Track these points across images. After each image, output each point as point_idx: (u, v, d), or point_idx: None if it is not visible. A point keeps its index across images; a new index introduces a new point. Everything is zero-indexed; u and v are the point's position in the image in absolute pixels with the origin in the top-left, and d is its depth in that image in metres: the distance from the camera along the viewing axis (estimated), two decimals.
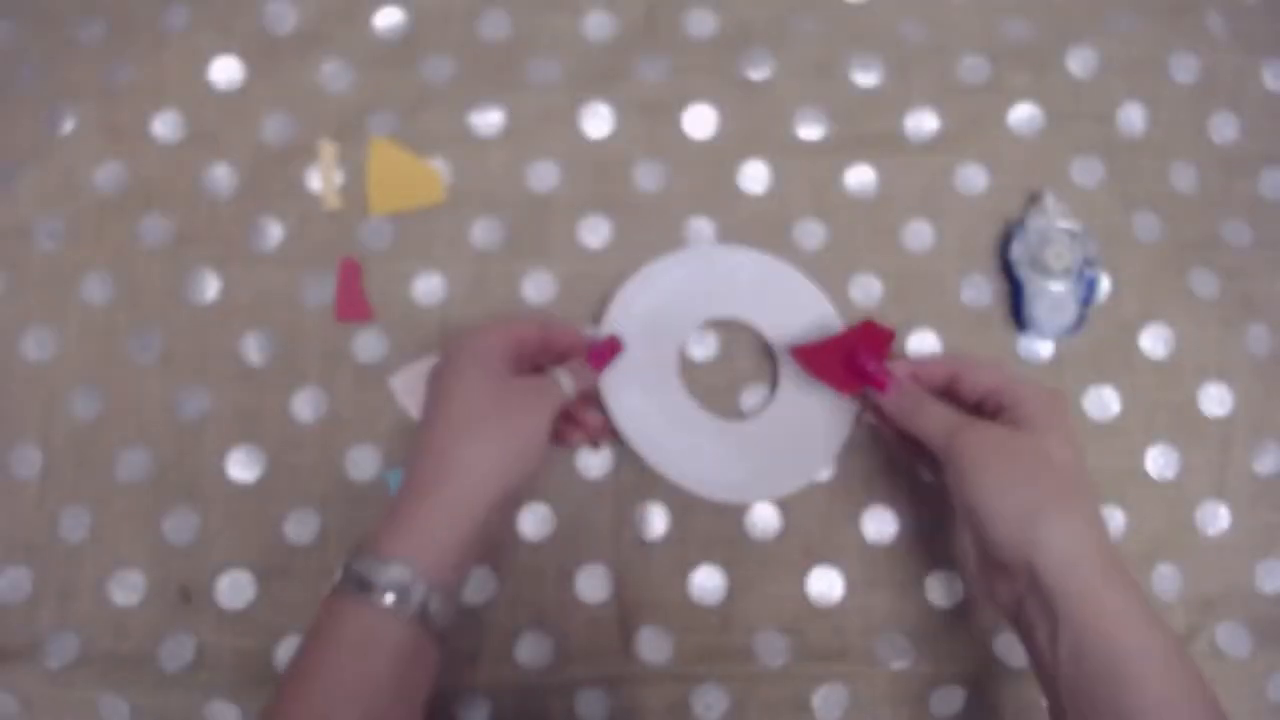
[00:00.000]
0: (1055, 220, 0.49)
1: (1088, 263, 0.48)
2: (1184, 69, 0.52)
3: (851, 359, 0.45)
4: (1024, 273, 0.49)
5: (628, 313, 0.49)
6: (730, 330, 0.50)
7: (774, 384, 0.49)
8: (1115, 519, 0.48)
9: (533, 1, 0.54)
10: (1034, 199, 0.50)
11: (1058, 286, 0.48)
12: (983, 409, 0.42)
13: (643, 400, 0.48)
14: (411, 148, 0.51)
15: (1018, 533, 0.37)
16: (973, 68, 0.52)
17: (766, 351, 0.50)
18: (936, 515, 0.48)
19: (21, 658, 0.46)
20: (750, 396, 0.50)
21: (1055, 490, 0.38)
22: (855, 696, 0.46)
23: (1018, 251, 0.49)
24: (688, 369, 0.50)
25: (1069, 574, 0.36)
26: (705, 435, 0.48)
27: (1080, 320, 0.49)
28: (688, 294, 0.50)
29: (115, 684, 0.45)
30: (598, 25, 0.54)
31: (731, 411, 0.49)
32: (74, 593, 0.47)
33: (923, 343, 0.50)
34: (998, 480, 0.38)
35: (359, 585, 0.37)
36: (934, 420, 0.41)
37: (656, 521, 0.48)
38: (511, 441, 0.41)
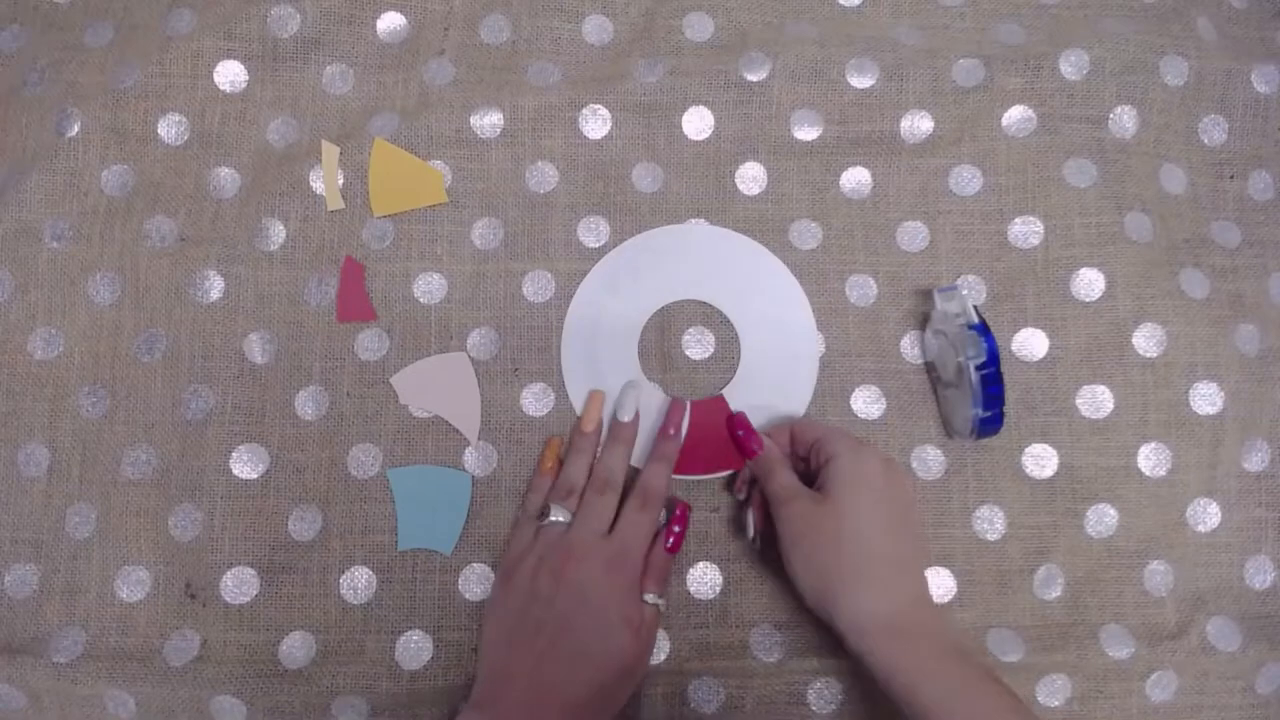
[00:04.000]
0: (935, 324, 0.49)
1: (972, 358, 0.45)
2: (1174, 72, 0.53)
3: (729, 427, 0.48)
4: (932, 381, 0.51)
5: (588, 299, 0.51)
6: (692, 312, 0.51)
7: (735, 365, 0.50)
8: (1108, 516, 0.49)
9: (532, 5, 0.54)
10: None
11: (950, 391, 0.49)
12: (813, 463, 0.46)
13: (599, 383, 0.50)
14: (412, 149, 0.52)
15: (819, 602, 0.42)
16: (967, 71, 0.53)
17: (730, 333, 0.51)
18: (931, 513, 0.49)
19: (28, 653, 0.46)
20: (709, 377, 0.50)
21: (847, 566, 0.42)
22: (850, 690, 0.47)
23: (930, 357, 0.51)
24: (648, 350, 0.51)
25: (860, 638, 0.41)
26: (660, 415, 0.49)
27: (987, 420, 0.46)
28: (648, 276, 0.51)
29: (121, 679, 0.46)
30: (596, 28, 0.55)
31: (688, 392, 0.50)
32: (80, 589, 0.48)
33: (917, 342, 0.51)
34: (802, 556, 0.43)
35: None
36: (775, 487, 0.45)
37: None
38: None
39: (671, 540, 0.46)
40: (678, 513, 0.47)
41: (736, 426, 0.48)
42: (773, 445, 0.47)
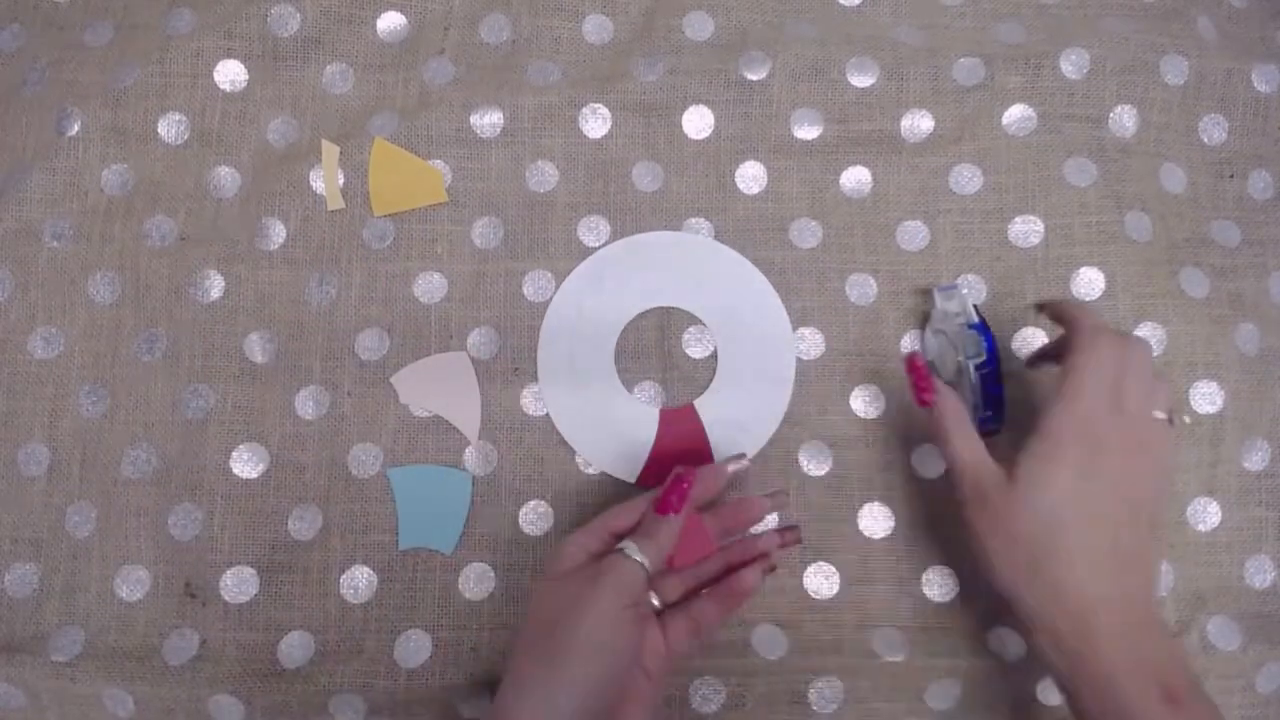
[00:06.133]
0: (935, 324, 0.49)
1: (972, 357, 0.45)
2: (1174, 72, 0.53)
3: (910, 366, 0.43)
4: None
5: (568, 301, 0.51)
6: (670, 318, 0.51)
7: (712, 373, 0.51)
8: None
9: (532, 5, 0.54)
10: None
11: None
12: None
13: (575, 388, 0.50)
14: (412, 149, 0.52)
15: (1004, 591, 0.39)
16: (967, 70, 0.53)
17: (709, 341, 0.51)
18: (933, 511, 0.49)
19: (28, 651, 0.46)
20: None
21: (1021, 568, 0.38)
22: (851, 689, 0.47)
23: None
24: (625, 355, 0.51)
25: (1030, 633, 0.38)
26: (634, 423, 0.50)
27: (987, 420, 0.45)
28: (627, 282, 0.51)
29: (120, 678, 0.46)
30: (596, 27, 0.55)
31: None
32: (80, 588, 0.48)
33: (915, 342, 0.51)
34: (976, 546, 0.39)
35: None
36: (952, 451, 0.41)
37: None
38: (568, 686, 0.36)
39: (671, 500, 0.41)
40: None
41: (911, 369, 0.43)
42: (952, 401, 0.41)
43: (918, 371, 0.43)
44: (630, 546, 0.40)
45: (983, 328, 0.45)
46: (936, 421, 0.42)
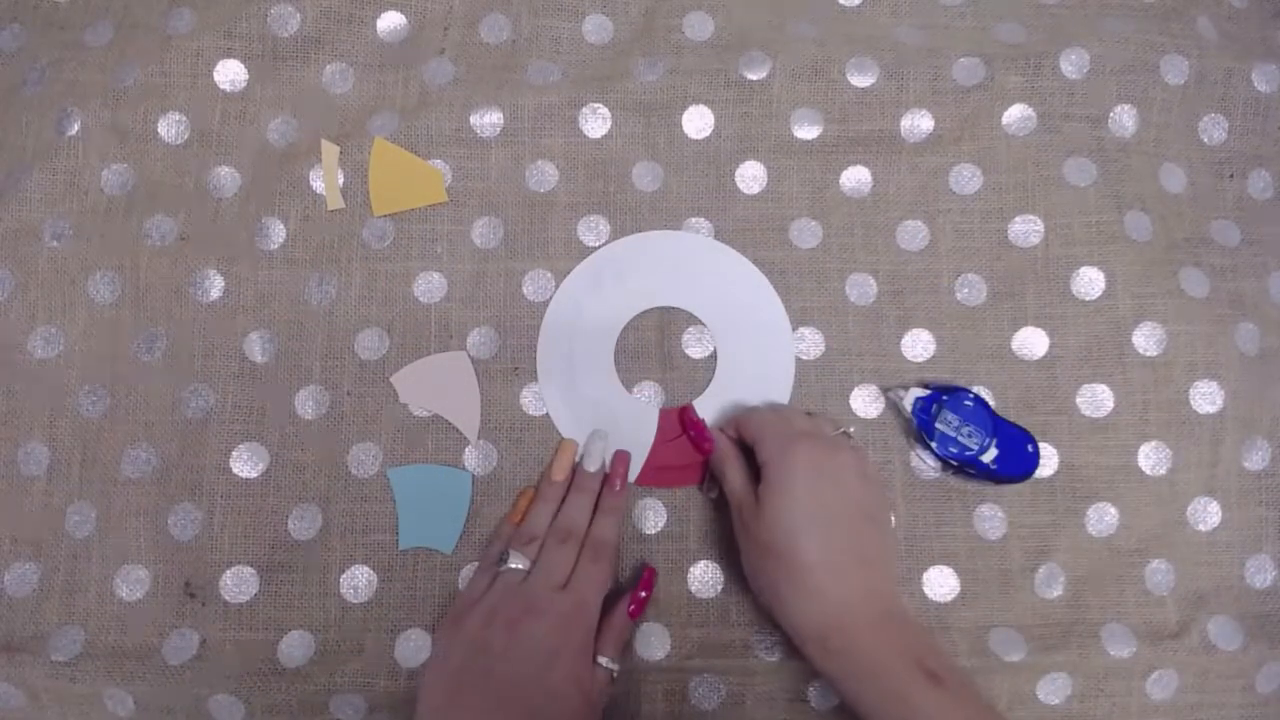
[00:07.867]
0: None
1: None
2: (1174, 71, 0.53)
3: (682, 424, 0.49)
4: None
5: (568, 300, 0.51)
6: (670, 318, 0.51)
7: (711, 373, 0.51)
8: (1109, 515, 0.49)
9: (532, 4, 0.54)
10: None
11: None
12: (758, 463, 0.45)
13: (574, 388, 0.50)
14: (412, 148, 0.52)
15: (766, 609, 0.44)
16: (967, 69, 0.53)
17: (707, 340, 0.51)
18: (932, 512, 0.49)
19: (28, 651, 0.46)
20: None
21: (777, 576, 0.41)
22: None
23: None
24: (625, 355, 0.51)
25: (801, 646, 0.41)
26: (634, 423, 0.50)
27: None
28: (627, 281, 0.51)
29: (120, 677, 0.46)
30: (596, 27, 0.55)
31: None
32: (80, 588, 0.48)
33: (917, 341, 0.51)
34: (745, 563, 0.44)
35: None
36: (727, 489, 0.46)
37: (655, 517, 0.49)
38: None
39: (634, 606, 0.46)
40: (644, 577, 0.47)
41: (689, 426, 0.49)
42: (724, 441, 0.47)
43: (695, 426, 0.48)
44: (611, 663, 0.44)
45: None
46: (716, 464, 0.47)
